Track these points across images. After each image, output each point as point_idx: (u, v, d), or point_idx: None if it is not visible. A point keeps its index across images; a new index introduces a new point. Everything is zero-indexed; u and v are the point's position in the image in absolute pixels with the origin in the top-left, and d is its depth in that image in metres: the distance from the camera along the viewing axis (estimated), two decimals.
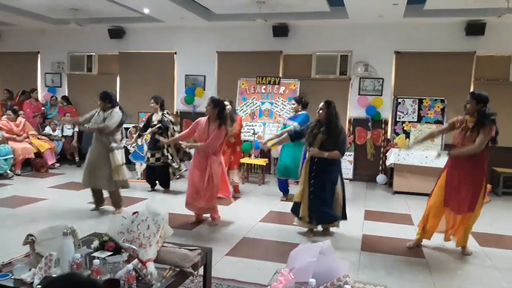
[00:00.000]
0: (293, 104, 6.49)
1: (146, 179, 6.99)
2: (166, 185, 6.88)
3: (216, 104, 4.81)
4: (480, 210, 4.24)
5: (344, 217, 4.80)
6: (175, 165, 6.78)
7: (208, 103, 4.86)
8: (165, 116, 6.72)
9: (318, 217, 4.67)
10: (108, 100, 5.29)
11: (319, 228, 4.86)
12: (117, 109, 5.29)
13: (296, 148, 6.09)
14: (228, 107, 5.87)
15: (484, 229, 5.27)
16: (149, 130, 6.70)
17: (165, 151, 6.71)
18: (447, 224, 4.38)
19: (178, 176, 7.02)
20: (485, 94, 4.20)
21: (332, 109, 4.59)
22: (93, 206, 5.56)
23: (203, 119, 4.94)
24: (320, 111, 4.61)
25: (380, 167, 8.29)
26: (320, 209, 4.60)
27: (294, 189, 5.39)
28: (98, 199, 5.54)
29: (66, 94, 9.95)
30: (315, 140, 4.57)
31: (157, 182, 6.94)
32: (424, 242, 4.57)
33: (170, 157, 6.74)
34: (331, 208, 4.65)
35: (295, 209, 4.79)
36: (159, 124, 6.60)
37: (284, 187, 6.55)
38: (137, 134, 7.29)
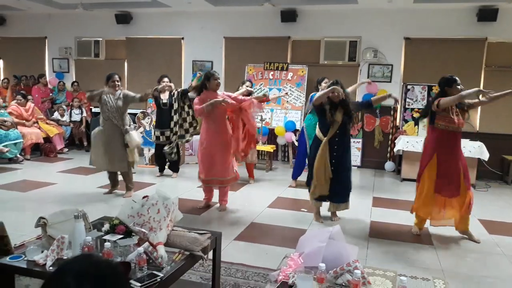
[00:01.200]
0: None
1: (156, 160, 6.99)
2: (175, 169, 6.84)
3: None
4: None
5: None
6: (185, 139, 6.73)
7: (218, 77, 4.94)
8: (178, 93, 6.63)
9: (338, 196, 4.70)
10: (107, 80, 5.35)
11: (327, 212, 4.86)
12: (120, 90, 5.37)
13: None
14: (245, 88, 5.99)
15: (493, 217, 5.26)
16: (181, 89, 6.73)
17: (177, 130, 6.63)
18: (447, 212, 4.35)
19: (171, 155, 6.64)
20: (445, 77, 4.37)
21: (344, 90, 4.54)
22: (106, 190, 5.62)
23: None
24: (337, 93, 4.47)
25: (388, 154, 8.25)
26: (339, 187, 4.65)
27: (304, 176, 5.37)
28: (115, 182, 5.62)
29: (74, 79, 9.96)
30: (333, 122, 4.52)
31: (166, 166, 6.89)
32: (433, 228, 4.56)
33: (180, 137, 6.66)
34: (348, 187, 4.73)
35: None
36: (185, 87, 6.69)
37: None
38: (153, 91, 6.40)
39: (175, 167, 6.86)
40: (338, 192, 4.68)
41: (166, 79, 6.52)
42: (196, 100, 4.95)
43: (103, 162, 5.35)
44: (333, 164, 4.59)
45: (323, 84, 5.98)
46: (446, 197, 4.26)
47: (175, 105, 6.57)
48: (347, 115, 4.52)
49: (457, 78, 4.29)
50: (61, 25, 10.02)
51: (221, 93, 5.04)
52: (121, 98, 5.28)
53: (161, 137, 6.66)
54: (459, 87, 4.26)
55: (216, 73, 4.99)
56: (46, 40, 10.27)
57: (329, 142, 4.57)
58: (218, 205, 5.19)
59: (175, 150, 6.59)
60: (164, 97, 6.62)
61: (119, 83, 5.36)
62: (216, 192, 5.23)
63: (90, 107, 9.59)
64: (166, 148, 6.52)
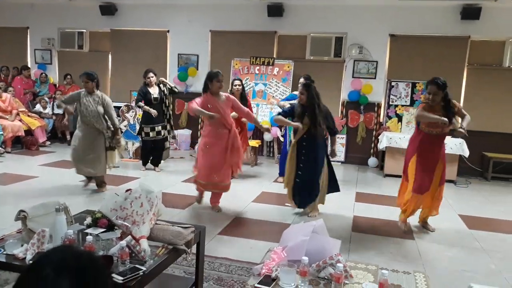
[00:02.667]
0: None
1: (141, 155, 6.91)
2: (157, 163, 6.79)
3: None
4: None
5: (337, 189, 4.82)
6: (167, 144, 6.77)
7: (221, 79, 4.64)
8: (163, 86, 6.62)
9: (303, 203, 4.74)
10: (96, 81, 5.14)
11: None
12: (99, 92, 5.20)
13: None
14: (237, 87, 6.07)
15: (472, 212, 5.36)
16: (167, 82, 6.68)
17: (167, 125, 6.66)
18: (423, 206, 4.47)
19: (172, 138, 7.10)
20: (444, 79, 4.28)
21: (312, 91, 4.51)
22: (84, 183, 5.54)
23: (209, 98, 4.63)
24: (301, 95, 4.53)
25: (372, 150, 8.33)
26: (308, 194, 4.66)
27: None
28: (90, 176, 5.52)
29: (57, 71, 9.79)
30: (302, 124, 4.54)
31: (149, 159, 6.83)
32: (416, 225, 4.64)
33: (169, 133, 6.71)
34: (314, 191, 4.66)
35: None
36: (174, 85, 6.67)
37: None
38: (138, 107, 6.60)
39: (158, 161, 6.80)
40: (302, 197, 4.69)
41: (151, 74, 6.47)
42: (197, 99, 4.62)
43: (84, 167, 5.23)
44: (300, 168, 4.59)
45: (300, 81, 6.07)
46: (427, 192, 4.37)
47: (165, 99, 6.59)
48: (312, 122, 4.47)
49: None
50: (44, 15, 9.82)
51: (225, 95, 4.74)
52: (101, 103, 5.10)
53: (151, 133, 6.53)
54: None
55: (220, 74, 4.63)
56: (28, 31, 10.06)
57: (297, 145, 4.58)
58: (211, 205, 4.96)
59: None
60: (154, 91, 6.50)
61: (87, 85, 5.08)
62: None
63: None
64: (167, 146, 6.74)
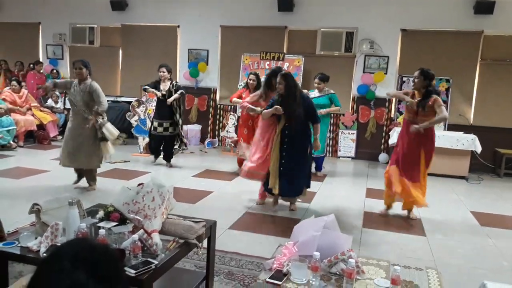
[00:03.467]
0: (318, 84, 6.42)
1: (150, 149, 6.95)
2: (169, 159, 6.80)
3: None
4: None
5: (308, 185, 4.79)
6: (184, 139, 6.74)
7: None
8: (174, 86, 6.53)
9: (285, 190, 4.62)
10: (89, 69, 4.97)
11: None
12: (89, 79, 4.98)
13: (324, 125, 6.22)
14: (251, 81, 6.03)
15: (485, 209, 5.31)
16: (172, 98, 6.38)
17: (178, 120, 6.57)
18: (404, 193, 4.57)
19: (182, 151, 6.92)
20: (432, 72, 4.44)
21: (290, 80, 4.50)
22: (74, 181, 5.30)
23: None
24: (280, 85, 4.50)
25: (382, 146, 8.28)
26: (289, 182, 4.57)
27: None
28: (81, 174, 5.29)
29: (68, 67, 9.87)
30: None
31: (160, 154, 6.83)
32: (426, 219, 4.62)
33: (180, 129, 6.66)
34: (299, 181, 4.63)
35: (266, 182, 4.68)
36: (182, 90, 6.50)
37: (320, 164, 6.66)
38: (144, 89, 6.76)
39: (169, 156, 6.79)
40: (286, 189, 4.60)
41: (163, 69, 6.48)
42: (253, 97, 5.14)
43: (66, 159, 5.04)
44: (283, 157, 4.54)
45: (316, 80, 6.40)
46: (407, 180, 4.51)
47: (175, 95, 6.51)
48: (291, 110, 4.42)
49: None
50: (55, 11, 9.89)
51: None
52: (88, 91, 4.90)
53: (158, 128, 6.55)
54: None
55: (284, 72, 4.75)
56: (40, 26, 10.15)
57: (281, 133, 4.56)
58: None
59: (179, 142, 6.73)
60: (164, 87, 6.50)
61: (81, 72, 4.90)
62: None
63: None
64: (182, 147, 6.71)
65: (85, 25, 9.84)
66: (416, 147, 4.47)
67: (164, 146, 6.71)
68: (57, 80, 5.62)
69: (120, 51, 9.67)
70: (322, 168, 6.74)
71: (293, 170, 4.56)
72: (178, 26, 9.16)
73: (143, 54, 9.33)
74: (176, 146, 6.72)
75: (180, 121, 6.64)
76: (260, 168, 4.66)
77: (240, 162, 6.41)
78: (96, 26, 9.80)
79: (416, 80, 4.41)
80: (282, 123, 4.55)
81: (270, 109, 4.52)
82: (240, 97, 6.08)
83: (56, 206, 2.51)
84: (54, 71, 9.61)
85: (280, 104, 4.49)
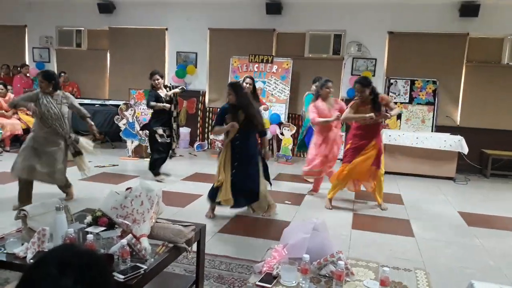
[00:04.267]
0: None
1: (163, 161, 6.22)
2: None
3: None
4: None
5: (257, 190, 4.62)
6: (174, 144, 6.32)
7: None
8: (172, 87, 6.24)
9: (239, 203, 4.54)
10: (54, 82, 4.52)
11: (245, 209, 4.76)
12: (60, 91, 4.63)
13: None
14: (247, 85, 5.69)
15: (472, 209, 5.38)
16: (172, 91, 6.07)
17: (174, 125, 6.20)
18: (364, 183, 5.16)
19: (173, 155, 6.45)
20: (369, 80, 4.95)
21: (239, 90, 4.46)
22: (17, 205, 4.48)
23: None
24: (230, 96, 4.43)
25: None
26: (243, 194, 4.48)
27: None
28: (28, 196, 4.59)
29: (56, 70, 9.75)
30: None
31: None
32: (414, 220, 4.67)
33: (175, 134, 6.28)
34: (253, 190, 4.51)
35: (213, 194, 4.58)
36: (182, 86, 6.15)
37: None
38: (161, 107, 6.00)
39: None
40: (237, 197, 4.47)
41: (157, 76, 6.05)
42: (312, 108, 5.45)
43: (30, 170, 4.46)
44: (235, 167, 4.46)
45: (313, 87, 6.37)
46: (363, 173, 4.98)
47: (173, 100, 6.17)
48: (248, 119, 4.39)
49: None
50: (42, 13, 9.79)
51: (334, 99, 5.69)
52: (64, 103, 4.56)
53: (166, 134, 6.07)
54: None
55: (330, 81, 5.50)
56: (26, 29, 10.03)
57: (231, 144, 4.47)
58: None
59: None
60: (163, 93, 6.08)
61: (42, 85, 4.47)
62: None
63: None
64: (173, 150, 6.29)
65: (72, 28, 9.75)
66: (369, 141, 4.92)
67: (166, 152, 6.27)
68: (17, 98, 4.87)
69: (108, 54, 9.60)
70: None
71: (246, 182, 4.46)
72: (167, 29, 9.14)
73: (131, 57, 9.28)
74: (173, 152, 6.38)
75: (175, 125, 6.24)
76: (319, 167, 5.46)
77: None
78: (83, 29, 9.72)
79: (360, 93, 4.85)
80: (232, 134, 4.44)
81: (225, 127, 4.42)
82: None
83: (42, 211, 2.48)
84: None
85: (233, 114, 4.41)
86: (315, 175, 5.69)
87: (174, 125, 6.21)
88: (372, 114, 4.77)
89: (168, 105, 6.00)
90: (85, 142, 4.81)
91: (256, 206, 4.66)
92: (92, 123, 4.83)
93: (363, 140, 4.93)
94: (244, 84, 5.83)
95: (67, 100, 4.60)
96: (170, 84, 6.49)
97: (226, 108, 4.48)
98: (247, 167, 4.48)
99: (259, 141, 4.79)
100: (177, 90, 6.21)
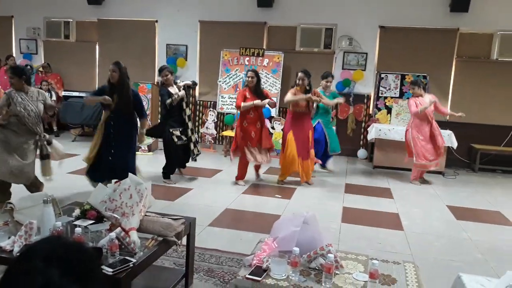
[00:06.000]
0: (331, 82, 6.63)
1: (177, 163, 5.84)
2: (184, 165, 6.01)
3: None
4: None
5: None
6: (193, 145, 5.77)
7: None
8: (180, 84, 5.75)
9: (99, 176, 4.57)
10: (25, 78, 4.25)
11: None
12: (32, 87, 4.40)
13: (330, 123, 6.82)
14: (249, 79, 5.58)
15: (461, 203, 5.43)
16: (184, 82, 5.72)
17: (189, 124, 5.73)
18: (301, 169, 5.70)
19: (196, 157, 5.87)
20: (309, 72, 5.75)
21: (124, 70, 4.62)
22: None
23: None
24: (114, 73, 4.58)
25: (361, 142, 8.37)
26: (115, 172, 4.45)
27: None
28: (7, 194, 4.32)
29: (43, 61, 9.61)
30: (106, 105, 4.63)
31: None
32: (404, 214, 4.71)
33: (192, 134, 5.77)
34: (125, 169, 4.42)
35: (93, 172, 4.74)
36: (193, 80, 5.79)
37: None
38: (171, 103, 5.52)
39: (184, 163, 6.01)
40: (102, 172, 4.60)
41: (166, 72, 5.60)
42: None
43: (8, 173, 4.17)
44: (112, 146, 4.62)
45: (323, 82, 6.44)
46: (301, 159, 5.64)
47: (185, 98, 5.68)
48: (121, 99, 4.58)
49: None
50: (29, 4, 9.61)
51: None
52: (40, 100, 4.29)
53: (183, 136, 5.60)
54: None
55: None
56: (13, 20, 9.85)
57: (105, 125, 4.66)
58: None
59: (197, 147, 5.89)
60: (174, 90, 5.61)
61: (13, 82, 4.17)
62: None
63: (60, 90, 9.28)
64: (195, 152, 5.78)
65: (60, 19, 9.60)
66: (307, 131, 5.68)
67: (184, 153, 5.80)
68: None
69: (97, 46, 9.47)
70: (327, 164, 6.77)
71: (123, 160, 4.62)
72: (156, 21, 9.04)
73: (121, 49, 9.17)
74: (196, 153, 5.85)
75: (190, 124, 5.78)
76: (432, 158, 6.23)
77: (257, 167, 6.04)
78: (71, 20, 9.58)
79: (302, 81, 5.59)
80: (108, 113, 4.64)
81: (97, 97, 4.64)
82: (245, 99, 5.55)
83: (30, 204, 2.45)
84: (28, 66, 9.34)
85: (110, 93, 4.58)
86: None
87: (189, 124, 5.72)
88: (309, 95, 5.51)
89: (183, 93, 5.56)
90: (58, 144, 4.57)
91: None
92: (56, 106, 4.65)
93: (300, 127, 5.65)
94: (247, 78, 5.74)
95: (42, 97, 4.34)
96: (180, 81, 6.04)
97: (106, 87, 4.66)
98: (122, 147, 4.65)
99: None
100: (188, 82, 5.85)
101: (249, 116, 5.56)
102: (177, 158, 5.70)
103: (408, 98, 7.02)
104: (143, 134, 4.98)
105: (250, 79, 5.59)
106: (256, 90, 5.58)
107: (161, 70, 5.73)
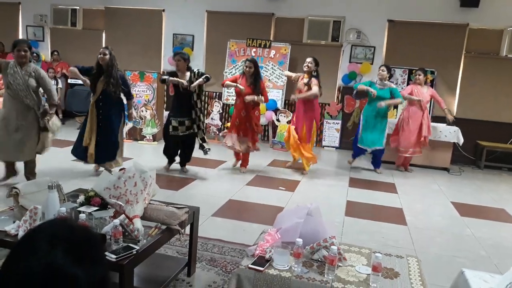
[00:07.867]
0: (383, 71, 6.25)
1: (166, 154, 5.77)
2: (185, 163, 5.82)
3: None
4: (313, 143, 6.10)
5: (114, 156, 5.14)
6: (200, 135, 5.55)
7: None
8: (197, 74, 5.44)
9: (101, 158, 5.02)
10: (30, 49, 4.36)
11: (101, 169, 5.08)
12: (32, 64, 4.44)
13: (384, 117, 6.39)
14: (247, 68, 5.56)
15: (465, 200, 5.41)
16: (196, 82, 5.29)
17: (198, 115, 5.52)
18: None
19: (206, 152, 5.59)
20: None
21: (113, 54, 4.89)
22: (2, 177, 4.62)
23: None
24: (105, 56, 4.80)
25: None
26: (104, 150, 4.98)
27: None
28: (13, 170, 4.65)
29: (50, 49, 9.61)
30: (96, 87, 4.88)
31: (175, 158, 5.83)
32: (408, 209, 4.70)
33: (202, 126, 5.58)
34: (113, 149, 5.07)
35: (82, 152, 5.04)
36: (207, 75, 5.38)
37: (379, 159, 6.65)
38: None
39: (188, 159, 5.82)
40: (100, 153, 4.97)
41: (177, 57, 5.47)
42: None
43: (10, 151, 4.33)
44: (99, 127, 4.95)
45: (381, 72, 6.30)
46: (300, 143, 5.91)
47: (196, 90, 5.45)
48: (109, 81, 4.81)
49: None
50: None
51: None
52: (33, 76, 4.30)
53: (180, 127, 5.42)
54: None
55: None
56: (20, 6, 9.84)
57: (96, 105, 4.91)
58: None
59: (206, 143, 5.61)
60: (184, 79, 5.39)
61: (26, 55, 4.26)
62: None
63: (68, 78, 9.28)
64: (206, 147, 5.52)
65: (67, 6, 9.57)
66: (302, 116, 5.90)
67: (184, 148, 5.68)
68: None
69: (104, 34, 9.46)
70: (380, 164, 6.61)
71: (109, 139, 4.98)
72: (163, 10, 9.00)
73: (127, 38, 9.15)
74: (206, 148, 5.58)
75: (201, 117, 5.60)
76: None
77: (237, 155, 6.04)
78: (78, 7, 9.55)
79: (310, 65, 5.75)
80: (97, 95, 4.89)
81: (81, 76, 4.90)
82: (234, 81, 5.70)
83: (35, 189, 2.46)
84: (35, 54, 9.33)
85: (97, 75, 4.84)
86: None
87: (193, 114, 5.46)
88: (184, 82, 5.27)
89: (184, 81, 5.31)
90: (57, 120, 4.73)
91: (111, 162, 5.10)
92: (52, 113, 4.55)
93: (300, 112, 6.02)
94: (245, 68, 5.63)
95: (36, 74, 4.32)
96: (198, 70, 5.68)
97: (94, 68, 4.92)
98: (109, 127, 4.96)
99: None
100: (200, 80, 5.34)
101: (236, 103, 5.82)
102: (167, 148, 5.73)
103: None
104: (131, 114, 5.48)
105: (247, 68, 5.57)
106: (252, 80, 5.56)
107: (175, 54, 5.64)
